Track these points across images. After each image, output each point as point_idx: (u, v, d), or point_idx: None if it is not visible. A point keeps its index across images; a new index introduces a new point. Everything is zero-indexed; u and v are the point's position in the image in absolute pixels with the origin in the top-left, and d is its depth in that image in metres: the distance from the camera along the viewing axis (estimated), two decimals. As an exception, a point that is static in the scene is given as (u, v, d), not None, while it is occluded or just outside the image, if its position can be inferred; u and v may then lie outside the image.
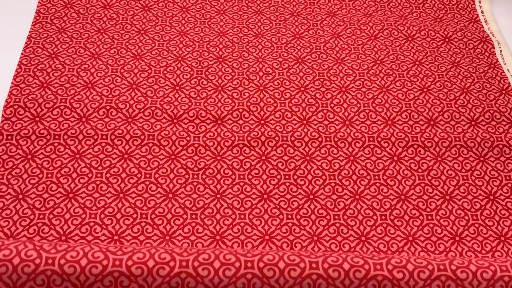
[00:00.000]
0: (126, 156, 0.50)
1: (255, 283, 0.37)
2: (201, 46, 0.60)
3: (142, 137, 0.51)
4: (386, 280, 0.38)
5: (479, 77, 0.59)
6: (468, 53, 0.61)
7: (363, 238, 0.46)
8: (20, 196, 0.46)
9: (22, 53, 0.57)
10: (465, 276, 0.38)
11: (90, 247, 0.38)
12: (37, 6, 0.62)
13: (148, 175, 0.49)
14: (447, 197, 0.49)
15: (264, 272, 0.38)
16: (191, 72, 0.57)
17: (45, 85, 0.54)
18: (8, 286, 0.36)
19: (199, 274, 0.37)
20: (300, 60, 0.60)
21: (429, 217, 0.48)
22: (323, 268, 0.38)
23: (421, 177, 0.50)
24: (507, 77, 0.59)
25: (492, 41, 0.63)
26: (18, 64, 0.56)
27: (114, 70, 0.56)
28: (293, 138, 0.52)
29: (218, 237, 0.46)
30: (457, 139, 0.53)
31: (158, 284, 0.37)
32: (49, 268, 0.37)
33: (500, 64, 0.60)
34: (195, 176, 0.49)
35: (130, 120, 0.52)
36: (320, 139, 0.52)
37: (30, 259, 0.37)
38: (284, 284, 0.37)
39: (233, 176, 0.49)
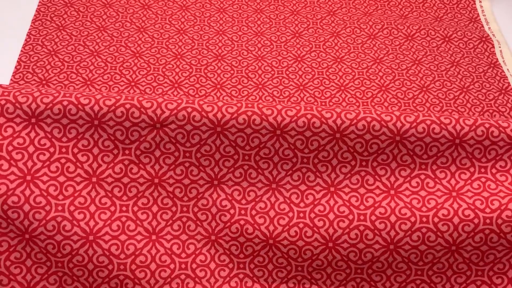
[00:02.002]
0: None
1: (254, 120, 0.40)
2: (200, 44, 0.60)
3: None
4: (375, 121, 0.41)
5: (478, 77, 0.58)
6: (468, 53, 0.61)
7: None
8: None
9: (21, 50, 0.57)
10: (448, 121, 0.41)
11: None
12: (38, 6, 0.62)
13: None
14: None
15: (263, 111, 0.41)
16: (190, 70, 0.57)
17: (44, 82, 0.54)
18: (27, 114, 0.40)
19: (204, 109, 0.41)
20: (299, 59, 0.59)
21: None
22: (317, 110, 0.41)
23: None
24: (506, 77, 0.58)
25: (492, 41, 0.62)
26: (17, 61, 0.56)
27: (113, 68, 0.56)
28: None
29: None
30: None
31: (166, 116, 0.40)
32: (65, 99, 0.40)
33: (500, 63, 0.60)
34: None
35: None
36: None
37: (50, 93, 0.40)
38: (281, 122, 0.41)
39: None
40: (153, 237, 0.41)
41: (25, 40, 0.58)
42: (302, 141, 0.41)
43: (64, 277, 0.40)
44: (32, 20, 0.60)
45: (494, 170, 0.42)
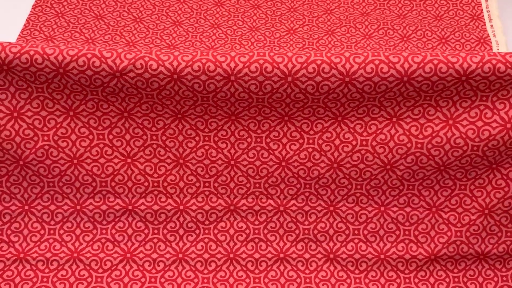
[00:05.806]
0: None
1: (209, 66, 0.42)
2: (194, 36, 0.61)
3: None
4: (325, 64, 0.42)
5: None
6: (464, 55, 0.59)
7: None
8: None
9: (19, 35, 0.59)
10: (397, 60, 0.42)
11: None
12: (41, -8, 0.64)
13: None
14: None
15: (217, 58, 0.42)
16: (180, 61, 0.58)
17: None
18: None
19: (160, 58, 0.42)
20: (291, 55, 0.59)
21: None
22: (270, 55, 0.43)
23: None
24: (502, 81, 0.56)
25: (491, 43, 0.60)
26: (14, 44, 0.57)
27: (105, 55, 0.57)
28: None
29: None
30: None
31: (124, 66, 0.42)
32: (32, 49, 0.42)
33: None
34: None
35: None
36: None
37: (18, 44, 0.43)
38: (234, 68, 0.42)
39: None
40: (128, 160, 0.47)
41: (24, 25, 0.60)
42: (256, 85, 0.43)
43: (55, 195, 0.47)
44: (33, 6, 0.62)
45: (438, 98, 0.44)
